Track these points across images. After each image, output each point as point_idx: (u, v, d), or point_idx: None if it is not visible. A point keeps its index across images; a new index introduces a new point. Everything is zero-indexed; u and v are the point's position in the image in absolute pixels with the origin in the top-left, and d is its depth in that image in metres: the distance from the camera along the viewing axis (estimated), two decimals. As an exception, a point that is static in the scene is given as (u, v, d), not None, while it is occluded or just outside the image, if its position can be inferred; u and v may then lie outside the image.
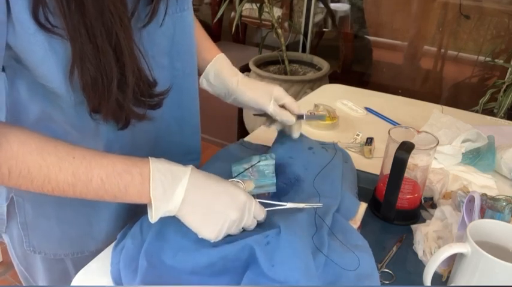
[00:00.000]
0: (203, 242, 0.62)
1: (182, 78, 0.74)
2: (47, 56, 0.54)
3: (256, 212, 0.64)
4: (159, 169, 0.58)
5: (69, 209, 0.72)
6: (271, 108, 0.77)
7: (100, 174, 0.56)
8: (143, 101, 0.63)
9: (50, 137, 0.56)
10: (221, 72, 0.79)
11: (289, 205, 0.69)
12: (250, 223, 0.64)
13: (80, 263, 0.72)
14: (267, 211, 0.67)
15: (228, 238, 0.62)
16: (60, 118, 0.63)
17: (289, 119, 0.77)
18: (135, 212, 0.74)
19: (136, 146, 0.71)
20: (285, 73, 2.37)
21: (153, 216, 0.58)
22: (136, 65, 0.59)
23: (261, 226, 0.66)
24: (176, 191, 0.58)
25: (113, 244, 0.69)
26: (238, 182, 0.73)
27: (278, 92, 0.77)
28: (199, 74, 0.80)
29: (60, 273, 0.78)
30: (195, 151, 0.87)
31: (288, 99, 0.78)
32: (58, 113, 0.62)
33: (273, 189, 0.77)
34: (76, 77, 0.55)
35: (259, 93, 0.78)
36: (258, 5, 2.29)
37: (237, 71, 0.81)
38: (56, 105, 0.61)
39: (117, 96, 0.58)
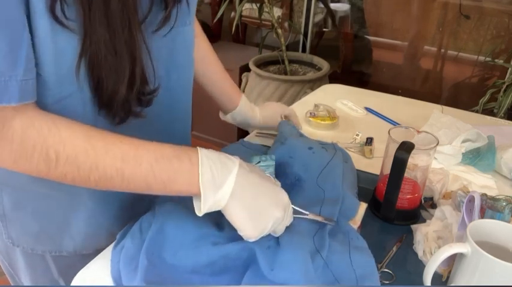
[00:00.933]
0: (204, 241, 0.62)
1: (176, 89, 0.74)
2: (51, 42, 0.53)
3: (290, 215, 0.63)
4: (208, 157, 0.57)
5: (47, 204, 0.70)
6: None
7: (149, 159, 0.55)
8: (141, 99, 0.63)
9: (92, 126, 0.56)
10: (245, 114, 0.98)
11: (310, 216, 0.67)
12: (286, 223, 0.62)
13: (61, 263, 0.70)
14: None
15: (230, 236, 0.62)
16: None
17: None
18: (116, 218, 0.74)
19: None
20: (285, 73, 2.37)
21: (201, 207, 0.56)
22: (142, 65, 0.59)
23: None
24: (227, 181, 0.56)
25: (112, 244, 0.69)
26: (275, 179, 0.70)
27: (286, 110, 1.02)
28: (224, 111, 0.99)
29: (43, 271, 0.77)
30: None
31: (290, 112, 1.02)
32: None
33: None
34: (83, 72, 0.55)
35: (270, 119, 1.00)
36: (258, 5, 2.29)
37: (253, 105, 1.00)
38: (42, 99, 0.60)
39: (124, 93, 0.58)
